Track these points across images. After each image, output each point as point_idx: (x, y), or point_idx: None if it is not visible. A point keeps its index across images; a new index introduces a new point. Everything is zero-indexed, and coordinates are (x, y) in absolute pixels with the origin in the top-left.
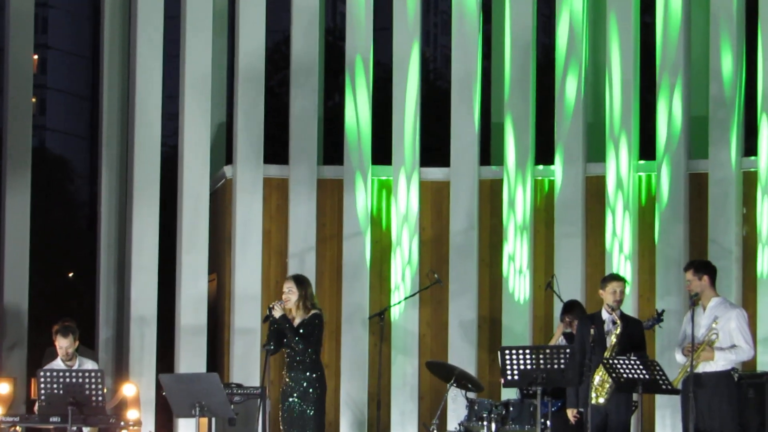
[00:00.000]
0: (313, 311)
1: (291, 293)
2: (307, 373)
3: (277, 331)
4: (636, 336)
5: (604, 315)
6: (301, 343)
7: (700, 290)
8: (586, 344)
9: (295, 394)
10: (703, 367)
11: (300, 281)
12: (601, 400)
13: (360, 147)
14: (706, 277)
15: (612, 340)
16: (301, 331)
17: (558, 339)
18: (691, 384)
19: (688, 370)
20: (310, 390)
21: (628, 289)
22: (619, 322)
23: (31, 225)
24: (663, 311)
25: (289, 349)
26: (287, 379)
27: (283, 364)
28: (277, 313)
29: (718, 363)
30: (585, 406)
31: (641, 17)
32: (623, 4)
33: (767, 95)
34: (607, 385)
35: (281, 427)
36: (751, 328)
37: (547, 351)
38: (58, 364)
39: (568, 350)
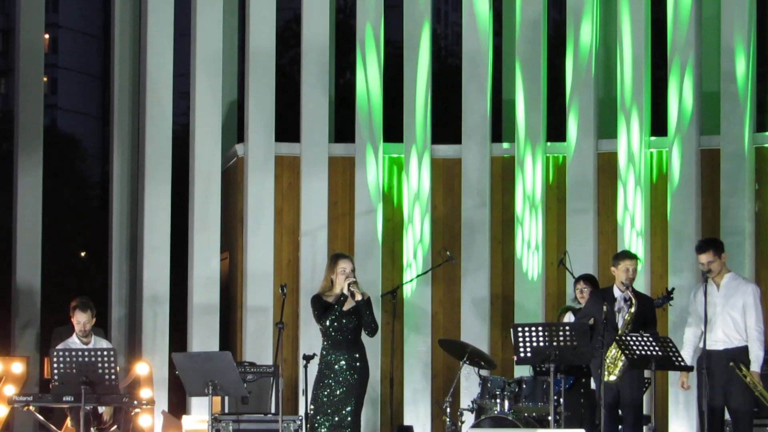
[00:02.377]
0: (367, 294)
1: (353, 273)
2: (356, 353)
3: (338, 311)
4: (647, 313)
5: (616, 292)
6: (374, 324)
7: (720, 269)
8: (597, 320)
9: (344, 371)
10: (723, 345)
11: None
12: (613, 378)
13: (371, 124)
14: (724, 255)
15: (626, 317)
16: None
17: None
18: (704, 361)
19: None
20: (357, 363)
21: (640, 266)
22: (634, 300)
23: (42, 204)
24: (673, 289)
25: (339, 329)
26: (332, 358)
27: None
28: (358, 296)
29: (734, 341)
30: (597, 382)
31: None
32: None
33: None
34: (620, 363)
35: (314, 411)
36: (763, 305)
37: (560, 328)
38: (74, 341)
39: (579, 327)
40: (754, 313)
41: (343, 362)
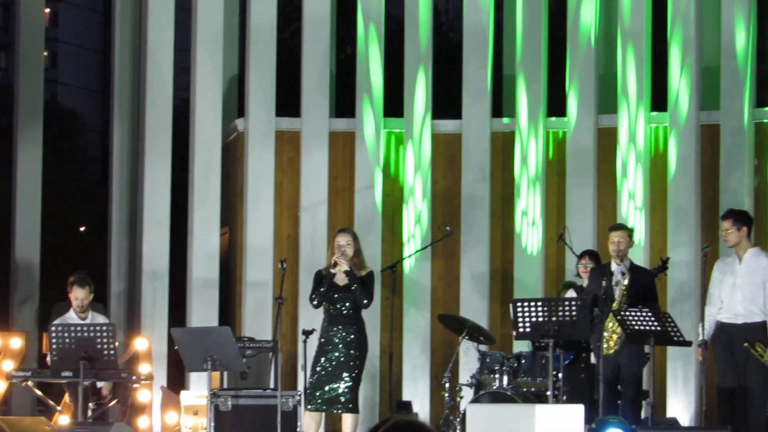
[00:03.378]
0: (368, 268)
1: (349, 246)
2: (354, 327)
3: (329, 285)
4: (646, 287)
5: (614, 266)
6: (364, 298)
7: (737, 240)
8: (598, 296)
9: (340, 346)
10: (743, 319)
11: (355, 236)
12: (611, 352)
13: (372, 99)
14: (745, 228)
15: (621, 290)
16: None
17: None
18: (718, 337)
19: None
20: (354, 337)
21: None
22: (627, 273)
23: (42, 179)
24: (668, 259)
25: (335, 303)
26: (330, 333)
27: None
28: (344, 267)
29: (754, 316)
30: (597, 356)
31: None
32: None
33: None
34: (616, 336)
35: (311, 385)
36: None
37: (559, 303)
38: (71, 316)
39: (578, 302)
40: None
41: (340, 337)
